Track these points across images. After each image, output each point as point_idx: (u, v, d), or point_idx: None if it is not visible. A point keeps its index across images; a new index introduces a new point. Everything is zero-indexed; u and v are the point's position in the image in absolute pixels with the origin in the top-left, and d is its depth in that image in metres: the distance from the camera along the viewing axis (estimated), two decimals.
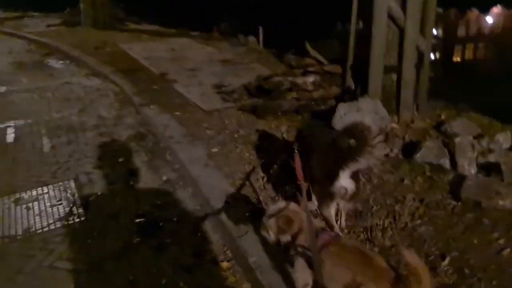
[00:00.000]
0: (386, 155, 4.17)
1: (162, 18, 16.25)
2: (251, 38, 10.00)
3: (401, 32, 4.70)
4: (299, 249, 2.29)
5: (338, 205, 3.03)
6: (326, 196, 2.90)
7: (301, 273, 2.30)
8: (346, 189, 2.75)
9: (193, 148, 4.63)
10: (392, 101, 4.93)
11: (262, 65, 8.16)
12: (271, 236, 2.44)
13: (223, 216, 3.34)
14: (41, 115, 6.19)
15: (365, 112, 4.45)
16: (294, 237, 2.35)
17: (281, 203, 2.52)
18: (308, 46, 5.96)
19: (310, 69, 5.59)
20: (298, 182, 2.63)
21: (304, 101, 5.41)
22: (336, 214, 3.08)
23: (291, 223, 2.34)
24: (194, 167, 4.20)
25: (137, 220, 3.59)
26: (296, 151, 2.91)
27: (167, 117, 5.55)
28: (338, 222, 3.08)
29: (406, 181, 3.68)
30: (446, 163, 3.83)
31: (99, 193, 4.05)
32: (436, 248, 2.86)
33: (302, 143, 3.30)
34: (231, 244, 3.14)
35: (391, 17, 4.67)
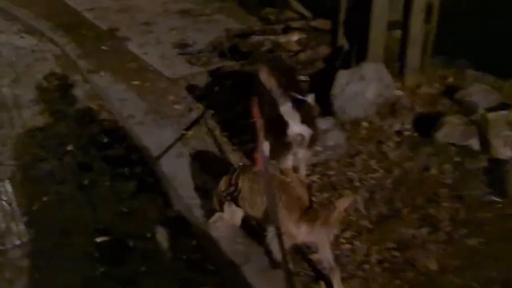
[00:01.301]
0: (399, 133, 3.48)
1: None
2: None
3: None
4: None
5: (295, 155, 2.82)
6: (282, 147, 2.69)
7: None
8: (302, 136, 2.59)
9: (160, 130, 3.75)
10: (394, 63, 4.18)
11: (228, 17, 7.12)
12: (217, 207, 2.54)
13: (214, 233, 2.58)
14: None
15: (368, 81, 3.70)
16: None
17: None
18: None
19: (294, 24, 4.70)
20: (252, 120, 2.56)
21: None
22: None
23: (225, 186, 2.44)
24: (164, 158, 3.36)
25: (99, 240, 2.75)
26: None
27: (123, 88, 4.56)
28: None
29: (432, 170, 3.01)
30: (475, 144, 3.18)
31: (44, 199, 3.14)
32: (498, 272, 2.22)
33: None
34: (232, 275, 2.39)
35: None
